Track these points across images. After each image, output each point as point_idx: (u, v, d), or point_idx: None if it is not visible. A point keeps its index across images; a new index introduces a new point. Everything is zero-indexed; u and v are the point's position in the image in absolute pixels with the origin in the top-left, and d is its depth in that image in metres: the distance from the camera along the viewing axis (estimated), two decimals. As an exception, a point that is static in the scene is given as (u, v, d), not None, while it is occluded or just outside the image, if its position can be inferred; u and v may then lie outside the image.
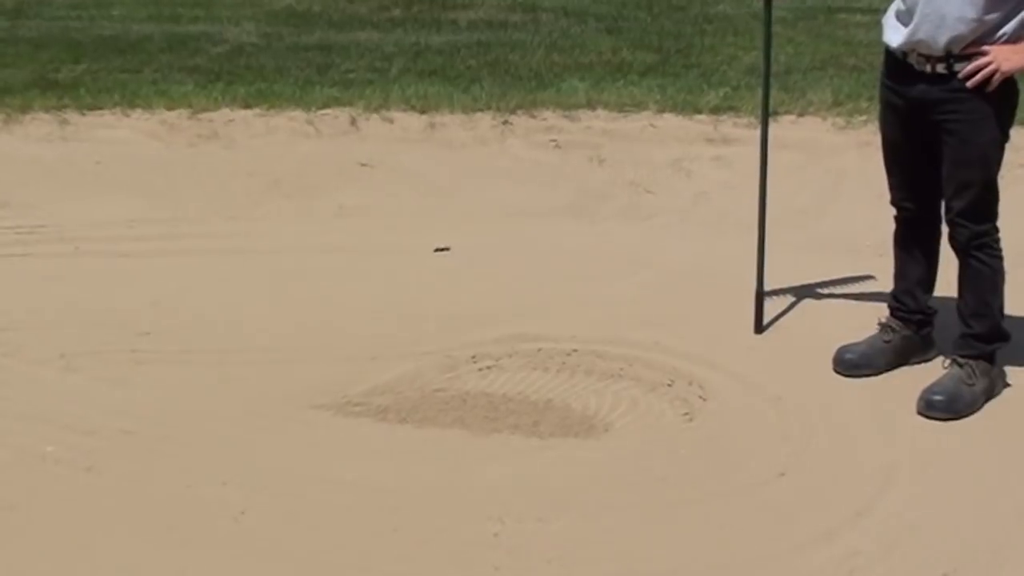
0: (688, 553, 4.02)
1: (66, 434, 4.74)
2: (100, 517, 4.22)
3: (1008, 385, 5.07)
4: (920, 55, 4.77)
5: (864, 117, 8.20)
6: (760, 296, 5.64)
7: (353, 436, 4.77)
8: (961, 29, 4.63)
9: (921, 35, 4.73)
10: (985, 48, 4.59)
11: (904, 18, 4.84)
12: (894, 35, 4.88)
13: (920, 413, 4.86)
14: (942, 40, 4.65)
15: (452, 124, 8.59)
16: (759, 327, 5.64)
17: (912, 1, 4.76)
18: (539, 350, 5.41)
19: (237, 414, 4.93)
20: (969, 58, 4.62)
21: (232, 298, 6.02)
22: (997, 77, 4.58)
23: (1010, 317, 5.10)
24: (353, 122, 8.63)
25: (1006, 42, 4.61)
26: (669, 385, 5.12)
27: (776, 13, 11.34)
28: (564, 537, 4.10)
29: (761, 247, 5.65)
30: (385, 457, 4.62)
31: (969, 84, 4.61)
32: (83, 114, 8.77)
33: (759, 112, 8.43)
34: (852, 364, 5.22)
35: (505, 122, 8.60)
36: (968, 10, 4.61)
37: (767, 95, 5.66)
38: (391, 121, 8.64)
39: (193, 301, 5.98)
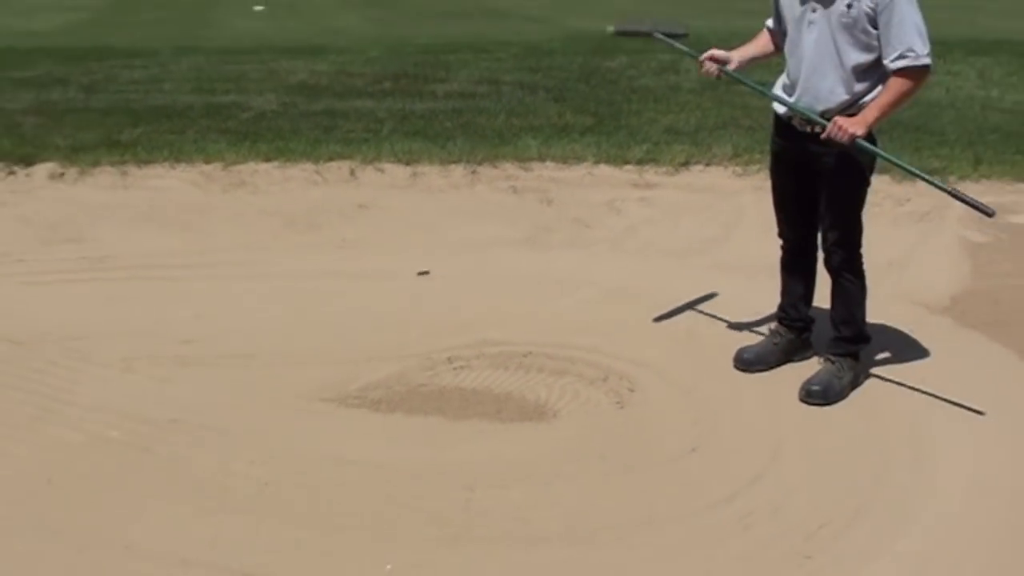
0: (620, 513, 4.03)
1: (127, 422, 4.72)
2: (153, 488, 4.21)
3: (868, 377, 5.11)
4: (801, 119, 4.79)
5: (757, 166, 8.24)
6: None
7: (353, 423, 4.76)
8: (833, 101, 4.66)
9: (801, 105, 4.76)
10: (836, 119, 4.57)
11: (788, 91, 4.87)
12: (779, 104, 4.91)
13: (802, 400, 4.89)
14: (818, 109, 4.69)
15: (431, 173, 8.59)
16: None
17: (794, 78, 4.80)
18: (501, 352, 5.40)
19: (259, 406, 4.91)
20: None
21: (255, 313, 5.99)
22: (847, 139, 4.54)
23: (870, 324, 5.15)
24: (352, 172, 8.62)
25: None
26: (604, 380, 5.12)
27: (687, 84, 11.50)
28: (522, 502, 4.11)
29: None
30: (379, 440, 4.61)
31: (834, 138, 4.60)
32: (140, 167, 8.73)
33: (675, 162, 8.53)
34: (749, 361, 5.24)
35: (474, 172, 8.60)
36: (839, 87, 4.64)
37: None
38: (383, 171, 8.63)
39: (225, 316, 5.95)
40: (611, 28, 5.35)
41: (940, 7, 19.55)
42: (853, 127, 4.53)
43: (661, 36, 5.25)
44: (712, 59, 5.01)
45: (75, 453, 4.48)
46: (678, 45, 5.20)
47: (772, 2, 4.95)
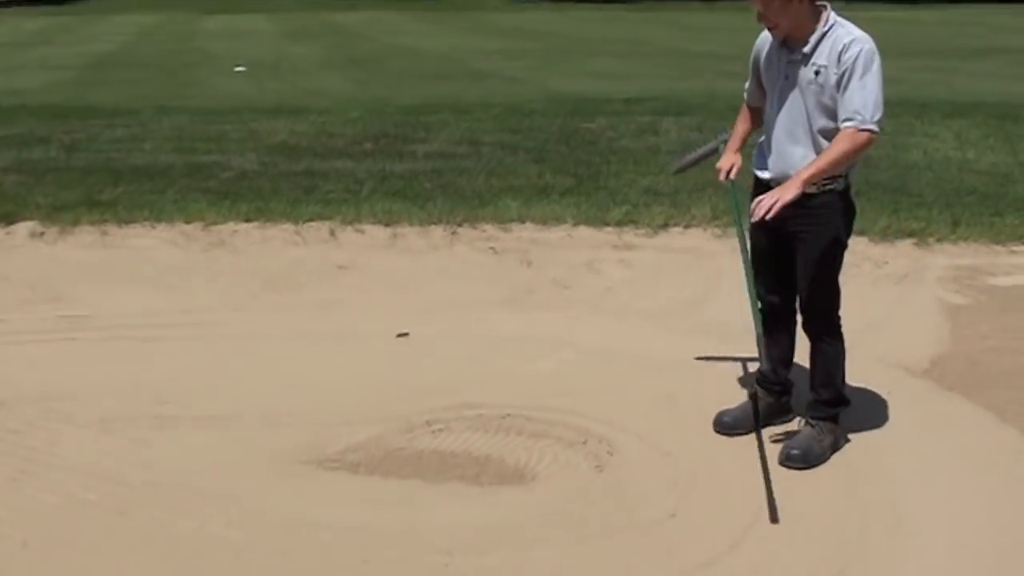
0: (599, 578, 4.03)
1: (104, 484, 4.71)
2: (130, 551, 4.19)
3: (848, 440, 5.11)
4: (778, 181, 4.85)
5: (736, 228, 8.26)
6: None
7: (331, 486, 4.75)
8: (805, 166, 4.73)
9: (774, 172, 4.84)
10: (760, 198, 4.70)
11: (766, 155, 4.95)
12: (759, 167, 4.98)
13: (781, 463, 4.90)
14: (790, 173, 4.75)
15: (411, 234, 8.61)
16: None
17: (770, 143, 4.90)
18: (480, 415, 5.39)
19: (238, 468, 4.90)
20: (815, 186, 4.69)
21: (235, 374, 5.98)
22: (779, 205, 4.60)
23: (849, 386, 5.17)
24: (332, 233, 8.64)
25: None
26: (583, 443, 5.11)
27: (666, 146, 11.56)
28: (501, 566, 4.10)
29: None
30: (357, 503, 4.59)
31: (765, 216, 4.65)
32: (120, 227, 8.74)
33: (654, 224, 8.58)
34: (728, 425, 5.24)
35: (453, 232, 8.62)
36: (810, 153, 4.73)
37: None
38: (362, 232, 8.65)
39: (204, 377, 5.93)
40: (672, 168, 5.54)
41: (917, 69, 19.82)
42: (781, 192, 4.64)
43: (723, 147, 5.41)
44: (720, 172, 5.21)
45: (51, 515, 4.46)
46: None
47: (751, 69, 5.04)
